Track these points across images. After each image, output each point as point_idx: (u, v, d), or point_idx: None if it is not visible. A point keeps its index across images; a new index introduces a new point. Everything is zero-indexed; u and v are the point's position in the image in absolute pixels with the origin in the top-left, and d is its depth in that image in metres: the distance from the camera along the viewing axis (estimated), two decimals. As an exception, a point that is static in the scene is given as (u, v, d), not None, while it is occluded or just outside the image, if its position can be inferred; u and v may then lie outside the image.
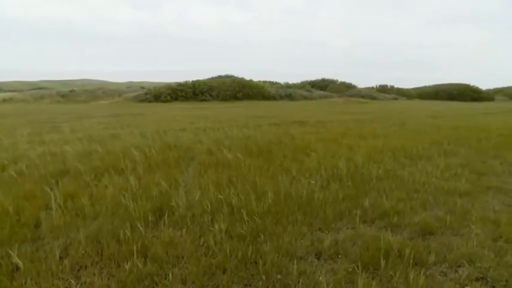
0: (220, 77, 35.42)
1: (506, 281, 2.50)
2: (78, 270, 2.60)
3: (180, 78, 33.60)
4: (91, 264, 2.65)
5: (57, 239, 3.01)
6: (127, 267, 2.56)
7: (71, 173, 4.98)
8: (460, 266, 2.70)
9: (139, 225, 3.14)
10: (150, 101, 29.07)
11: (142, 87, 37.57)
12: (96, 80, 61.06)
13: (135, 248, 2.75)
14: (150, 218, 3.36)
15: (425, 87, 48.29)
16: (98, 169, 5.12)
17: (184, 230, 3.18)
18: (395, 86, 47.30)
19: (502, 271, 2.60)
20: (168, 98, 29.81)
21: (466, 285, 2.47)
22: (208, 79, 34.43)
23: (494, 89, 50.08)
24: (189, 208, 3.64)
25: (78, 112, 18.18)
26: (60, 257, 2.72)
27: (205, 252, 2.82)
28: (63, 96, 32.56)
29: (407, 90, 46.96)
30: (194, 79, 32.79)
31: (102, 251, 2.82)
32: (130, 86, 46.99)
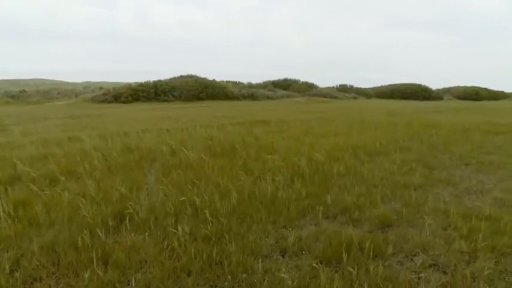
0: (182, 77, 34.65)
1: (455, 265, 2.72)
2: (32, 282, 2.45)
3: (141, 78, 32.50)
4: (46, 276, 2.51)
5: (7, 251, 2.81)
6: (86, 276, 2.45)
7: (23, 178, 4.66)
8: (415, 255, 2.87)
9: (99, 231, 3.02)
10: (109, 102, 27.89)
11: (101, 88, 35.90)
12: (50, 80, 57.26)
13: (95, 255, 2.64)
14: (110, 223, 3.23)
15: (381, 87, 50.48)
16: (53, 174, 4.83)
17: (146, 233, 3.10)
18: (355, 86, 49.03)
19: (451, 257, 2.81)
20: (129, 98, 28.78)
21: (421, 272, 2.64)
22: (170, 79, 33.57)
23: (442, 89, 53.44)
24: (151, 211, 3.55)
25: (31, 114, 17.00)
26: (11, 270, 2.55)
27: (169, 255, 2.77)
28: (12, 97, 30.24)
29: (366, 89, 48.84)
30: (155, 79, 31.88)
31: (58, 260, 2.68)
32: (87, 86, 44.67)
